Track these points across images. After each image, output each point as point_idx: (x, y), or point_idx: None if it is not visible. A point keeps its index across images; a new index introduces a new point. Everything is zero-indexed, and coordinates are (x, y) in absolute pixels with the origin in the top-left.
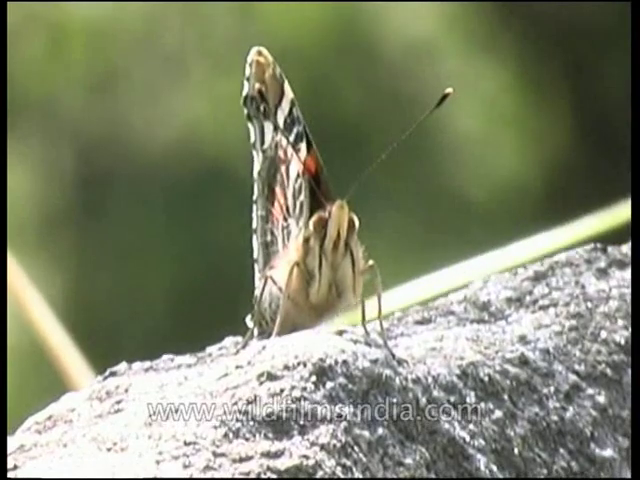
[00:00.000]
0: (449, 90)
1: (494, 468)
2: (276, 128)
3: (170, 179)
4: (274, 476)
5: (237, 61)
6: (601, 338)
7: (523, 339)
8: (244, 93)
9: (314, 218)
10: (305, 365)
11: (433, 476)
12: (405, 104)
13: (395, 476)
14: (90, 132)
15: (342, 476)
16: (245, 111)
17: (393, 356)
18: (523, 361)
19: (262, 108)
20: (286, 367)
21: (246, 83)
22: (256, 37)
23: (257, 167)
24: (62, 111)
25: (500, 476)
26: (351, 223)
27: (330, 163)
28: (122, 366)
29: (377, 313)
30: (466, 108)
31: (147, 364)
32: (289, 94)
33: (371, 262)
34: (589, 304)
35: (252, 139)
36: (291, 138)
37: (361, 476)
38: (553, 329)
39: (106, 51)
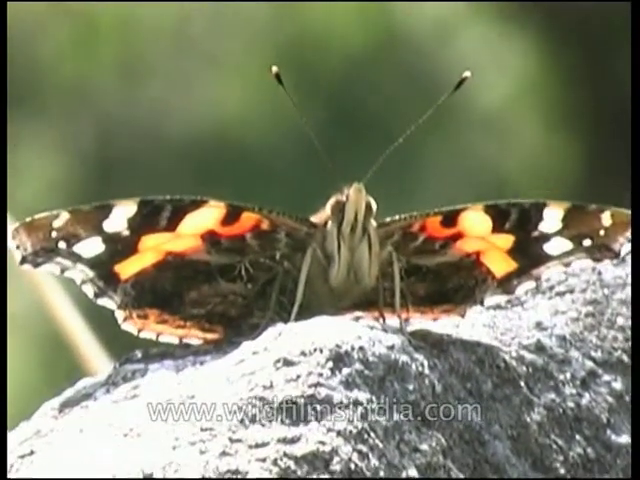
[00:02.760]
0: (467, 74)
1: (510, 454)
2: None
3: (193, 164)
4: (290, 462)
5: (263, 48)
6: (618, 325)
7: (539, 325)
8: (20, 260)
9: (331, 201)
10: (322, 351)
11: (449, 462)
12: (432, 84)
13: (411, 462)
14: (114, 116)
15: (358, 462)
16: (37, 263)
17: (410, 342)
18: (539, 347)
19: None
20: (302, 353)
21: (18, 252)
22: (284, 24)
23: None
24: (87, 95)
25: (516, 462)
26: (368, 206)
27: (359, 146)
28: (138, 352)
29: (394, 299)
30: (491, 87)
31: (163, 350)
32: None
33: (389, 247)
34: (606, 290)
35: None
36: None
37: (377, 462)
38: (569, 315)
39: (134, 38)
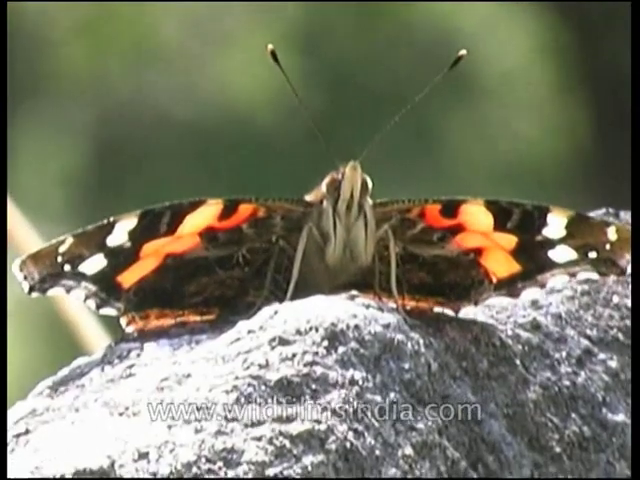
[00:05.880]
0: (463, 52)
1: (506, 433)
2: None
3: (201, 145)
4: (286, 440)
5: (271, 27)
6: (613, 303)
7: (535, 304)
8: (27, 290)
9: (327, 179)
10: (317, 330)
11: (445, 440)
12: (439, 58)
13: (407, 440)
14: (121, 99)
15: (354, 441)
16: (44, 289)
17: (405, 321)
18: (535, 326)
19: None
20: (298, 332)
21: (26, 282)
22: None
23: None
24: (93, 78)
25: (511, 440)
26: (364, 184)
27: (367, 123)
28: (134, 331)
29: (390, 277)
30: (500, 56)
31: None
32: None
33: (385, 226)
34: None
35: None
36: None
37: (373, 441)
38: (565, 294)
39: (141, 20)
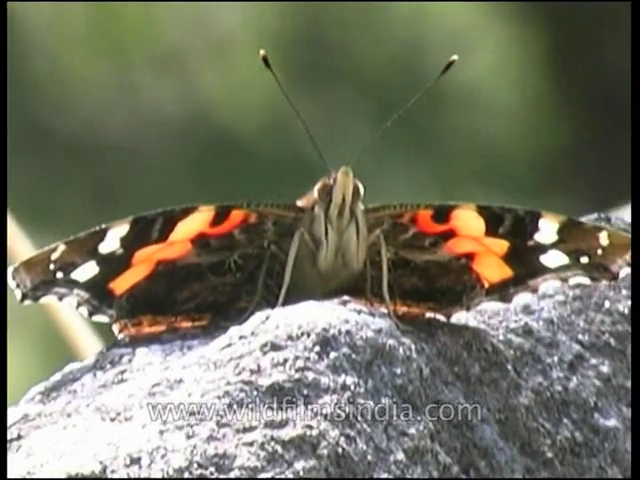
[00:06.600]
0: (454, 57)
1: (498, 438)
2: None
3: (181, 152)
4: (278, 446)
5: (251, 35)
6: (605, 308)
7: (527, 309)
8: (20, 297)
9: (318, 185)
10: (309, 335)
11: (437, 446)
12: (418, 63)
13: (399, 446)
14: (100, 103)
15: (346, 446)
16: (36, 297)
17: (397, 326)
18: (527, 331)
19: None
20: (290, 337)
21: (18, 290)
22: (270, 14)
23: None
24: (71, 80)
25: (504, 446)
26: (356, 189)
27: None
28: (127, 337)
29: (382, 282)
30: (477, 63)
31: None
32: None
33: (377, 231)
34: None
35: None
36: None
37: (365, 446)
38: (557, 299)
39: (134, 19)
